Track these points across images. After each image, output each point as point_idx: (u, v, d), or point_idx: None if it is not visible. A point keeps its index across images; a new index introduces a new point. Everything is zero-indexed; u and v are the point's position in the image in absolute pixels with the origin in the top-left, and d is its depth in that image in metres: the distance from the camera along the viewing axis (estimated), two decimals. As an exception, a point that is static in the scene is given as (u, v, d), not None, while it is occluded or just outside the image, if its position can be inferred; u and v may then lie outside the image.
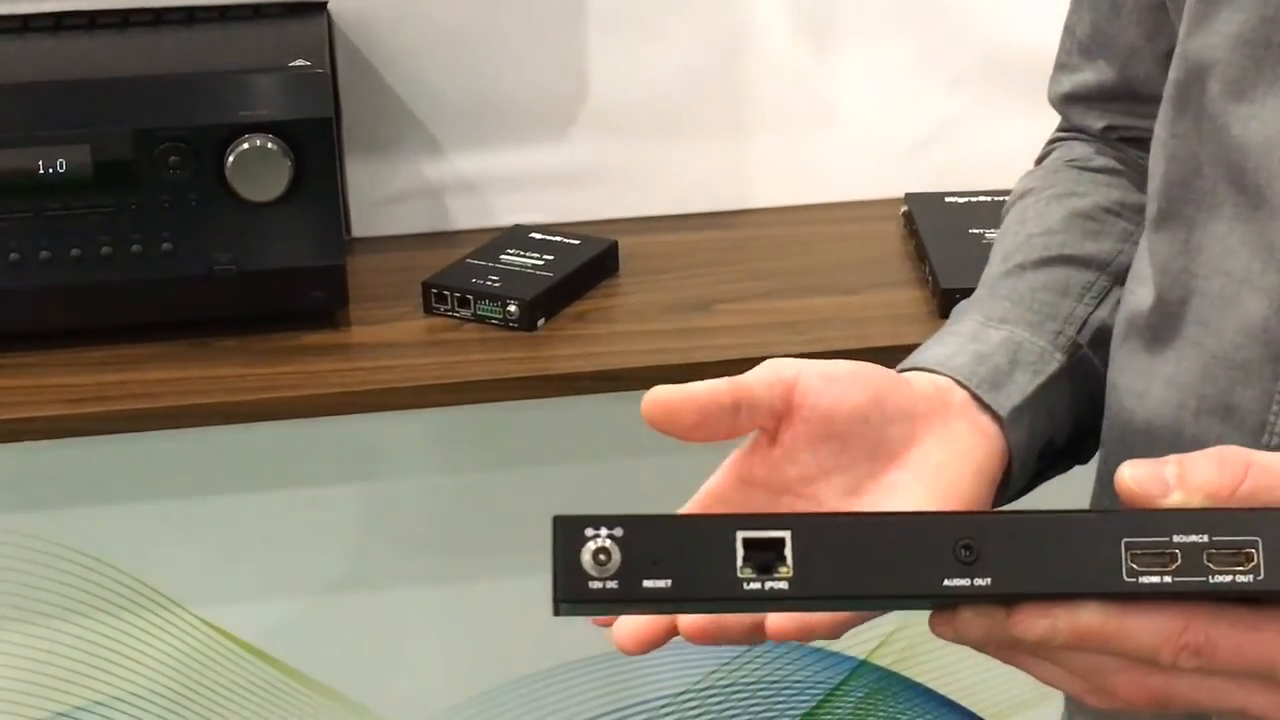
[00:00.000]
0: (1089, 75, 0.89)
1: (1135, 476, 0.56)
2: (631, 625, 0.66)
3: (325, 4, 1.52)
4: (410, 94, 1.56)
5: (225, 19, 1.50)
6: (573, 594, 0.55)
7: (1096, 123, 0.90)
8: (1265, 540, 0.55)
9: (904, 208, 1.57)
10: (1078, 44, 0.89)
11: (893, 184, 1.60)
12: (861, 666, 1.64)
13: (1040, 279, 0.82)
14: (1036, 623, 0.55)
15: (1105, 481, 0.81)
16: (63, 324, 1.39)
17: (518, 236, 1.52)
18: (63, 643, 1.51)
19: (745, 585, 0.55)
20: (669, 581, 0.54)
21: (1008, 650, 0.58)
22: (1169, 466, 0.57)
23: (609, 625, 0.67)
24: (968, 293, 0.84)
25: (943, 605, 0.57)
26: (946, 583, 0.55)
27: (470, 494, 1.52)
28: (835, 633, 0.66)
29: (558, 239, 1.51)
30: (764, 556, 0.55)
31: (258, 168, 1.34)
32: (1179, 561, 0.55)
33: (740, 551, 0.54)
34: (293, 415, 1.35)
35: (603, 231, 1.55)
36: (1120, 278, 0.83)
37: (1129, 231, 0.85)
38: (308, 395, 1.34)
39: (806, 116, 1.61)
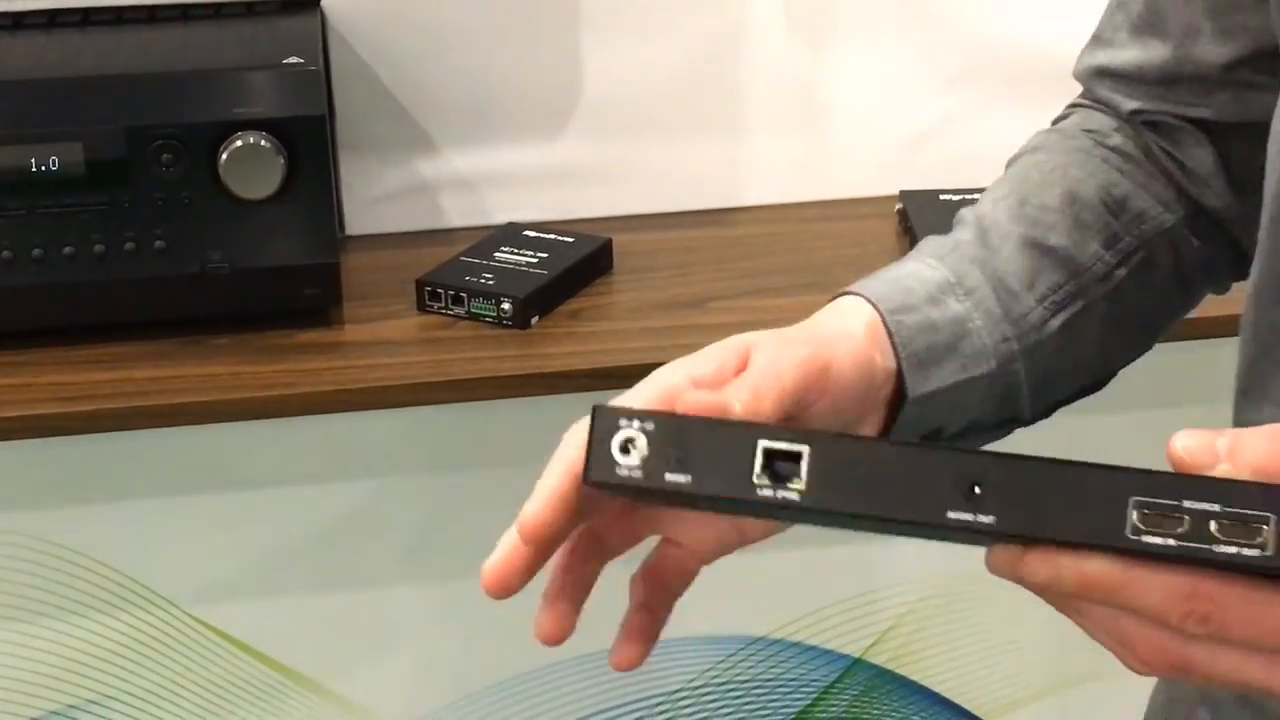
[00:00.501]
0: (1134, 53, 0.87)
1: (1187, 446, 0.57)
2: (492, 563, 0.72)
3: (319, 1, 1.52)
4: (404, 92, 1.56)
5: (219, 16, 1.50)
6: (600, 475, 0.59)
7: (1126, 103, 0.88)
8: (1278, 517, 0.55)
9: (899, 205, 1.57)
10: (1130, 21, 0.87)
11: (887, 182, 1.60)
12: (856, 664, 1.64)
13: (1016, 264, 0.82)
14: (1041, 567, 0.57)
15: None
16: (55, 322, 1.39)
17: (511, 234, 1.52)
18: (55, 641, 1.50)
19: (759, 490, 0.58)
20: (689, 478, 0.58)
21: (1038, 592, 0.60)
22: (1222, 439, 0.57)
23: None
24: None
25: (944, 538, 0.59)
26: (950, 515, 0.56)
27: (464, 492, 1.52)
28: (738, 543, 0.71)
29: (551, 237, 1.51)
30: (782, 466, 0.58)
31: (251, 165, 1.34)
32: (1185, 526, 0.55)
33: (760, 459, 0.58)
34: (286, 413, 1.35)
35: (597, 229, 1.55)
36: (1085, 290, 0.82)
37: (1116, 237, 0.84)
38: (301, 393, 1.34)
39: (801, 114, 1.61)
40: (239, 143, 1.33)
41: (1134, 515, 0.56)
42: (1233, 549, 0.55)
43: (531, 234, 1.52)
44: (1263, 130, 0.77)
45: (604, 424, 0.60)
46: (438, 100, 1.57)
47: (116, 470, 1.46)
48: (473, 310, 1.42)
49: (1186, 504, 0.55)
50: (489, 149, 1.59)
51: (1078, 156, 0.87)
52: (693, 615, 1.59)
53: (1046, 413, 0.84)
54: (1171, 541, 0.55)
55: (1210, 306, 1.12)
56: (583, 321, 1.43)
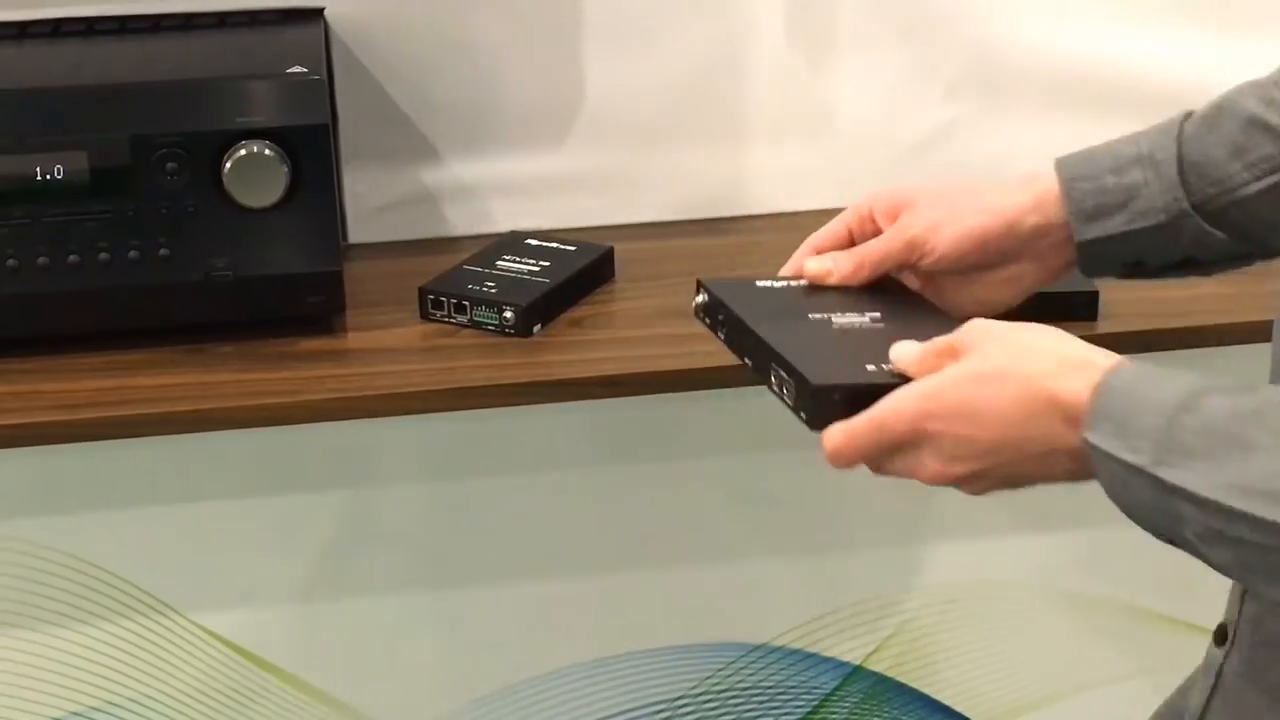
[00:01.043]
0: None
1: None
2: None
3: (322, 10, 1.52)
4: (407, 100, 1.56)
5: (223, 25, 1.51)
6: (697, 313, 1.09)
7: None
8: (795, 383, 0.94)
9: (899, 214, 1.57)
10: None
11: (889, 191, 1.60)
12: (857, 671, 1.64)
13: (1235, 138, 1.01)
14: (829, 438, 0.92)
15: None
16: (60, 329, 1.39)
17: (514, 243, 1.53)
18: (58, 648, 1.51)
19: (718, 332, 1.07)
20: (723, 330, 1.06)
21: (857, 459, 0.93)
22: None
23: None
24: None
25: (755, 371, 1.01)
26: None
27: (467, 499, 1.52)
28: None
29: (554, 245, 1.52)
30: (718, 315, 1.07)
31: (255, 174, 1.35)
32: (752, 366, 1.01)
33: (707, 312, 1.09)
34: (290, 421, 1.36)
35: (599, 238, 1.55)
36: None
37: None
38: (305, 401, 1.34)
39: (803, 123, 1.62)
40: (243, 151, 1.34)
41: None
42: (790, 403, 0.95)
43: (534, 242, 1.52)
44: None
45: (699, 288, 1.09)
46: (440, 109, 1.57)
47: (120, 477, 1.46)
48: (475, 318, 1.42)
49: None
50: (491, 158, 1.60)
51: None
52: (695, 622, 1.60)
53: (1229, 265, 1.04)
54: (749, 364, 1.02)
55: (1246, 312, 1.19)
56: (585, 330, 1.43)
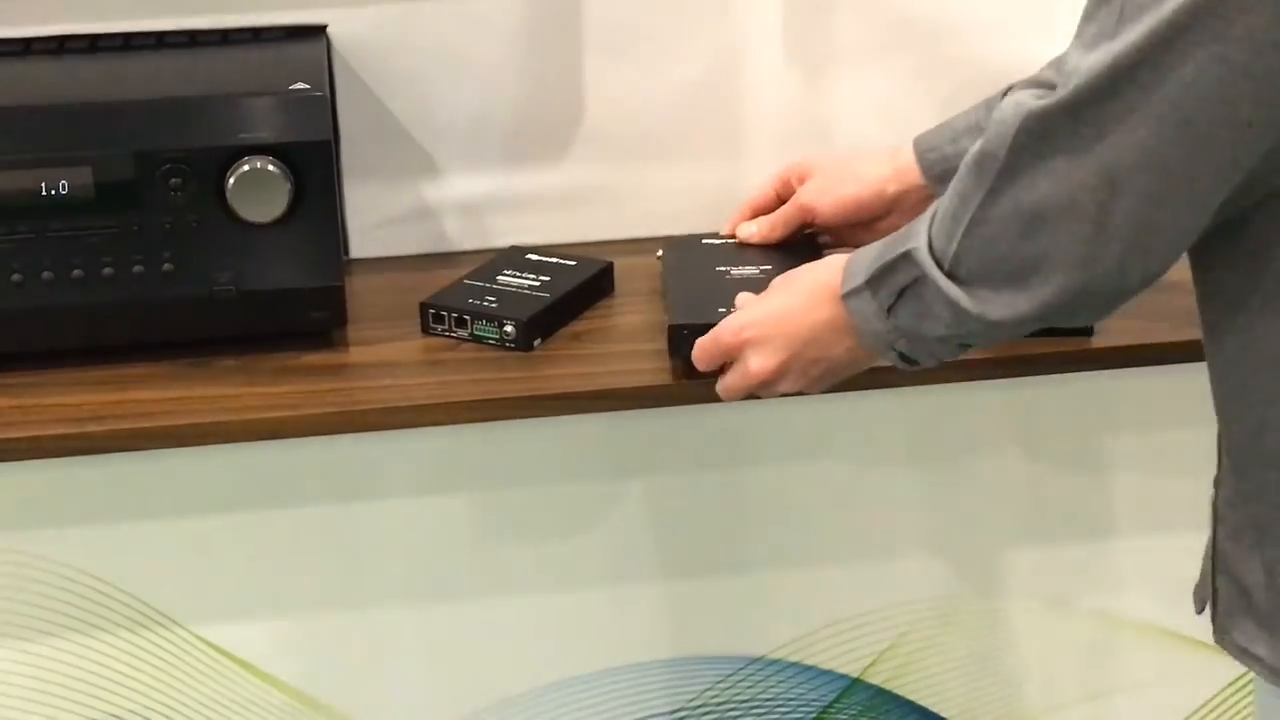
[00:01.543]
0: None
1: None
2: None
3: (325, 28, 1.53)
4: (408, 117, 1.57)
5: (226, 43, 1.51)
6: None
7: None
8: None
9: (897, 229, 1.58)
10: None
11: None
12: (854, 685, 1.64)
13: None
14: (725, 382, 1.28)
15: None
16: (64, 344, 1.40)
17: (514, 257, 1.53)
18: (60, 661, 1.51)
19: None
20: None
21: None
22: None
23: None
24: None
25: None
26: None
27: (467, 513, 1.53)
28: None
29: (554, 260, 1.52)
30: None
31: (258, 189, 1.35)
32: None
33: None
34: (291, 434, 1.36)
35: (599, 252, 1.56)
36: None
37: None
38: (306, 415, 1.35)
39: (799, 138, 1.62)
40: (246, 167, 1.35)
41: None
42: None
43: (534, 257, 1.53)
44: None
45: None
46: (442, 125, 1.58)
47: (123, 490, 1.46)
48: (476, 333, 1.43)
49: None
50: (492, 173, 1.60)
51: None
52: (693, 635, 1.60)
53: None
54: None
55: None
56: (585, 344, 1.44)
